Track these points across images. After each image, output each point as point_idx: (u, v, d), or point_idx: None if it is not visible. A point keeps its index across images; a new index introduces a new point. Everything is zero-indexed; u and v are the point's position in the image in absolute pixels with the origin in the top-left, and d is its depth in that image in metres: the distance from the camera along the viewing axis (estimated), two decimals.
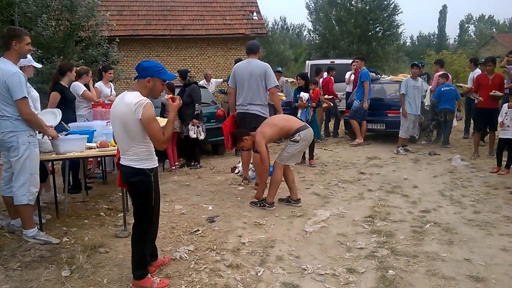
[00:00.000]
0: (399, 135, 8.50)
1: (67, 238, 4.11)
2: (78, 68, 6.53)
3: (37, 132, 3.94)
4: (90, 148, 4.42)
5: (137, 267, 3.25)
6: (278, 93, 8.51)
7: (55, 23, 10.86)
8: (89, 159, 6.91)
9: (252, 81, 5.78)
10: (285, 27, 60.98)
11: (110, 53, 11.82)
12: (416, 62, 9.08)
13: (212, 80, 11.34)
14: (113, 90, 7.32)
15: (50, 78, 8.46)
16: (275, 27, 58.07)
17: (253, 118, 5.75)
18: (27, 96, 3.65)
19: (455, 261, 3.62)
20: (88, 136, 4.43)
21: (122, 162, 3.16)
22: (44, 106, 6.10)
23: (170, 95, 3.39)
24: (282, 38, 50.68)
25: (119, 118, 3.04)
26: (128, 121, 2.99)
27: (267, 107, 5.91)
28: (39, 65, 5.09)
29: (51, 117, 4.39)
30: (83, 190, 5.64)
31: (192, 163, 7.35)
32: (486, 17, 64.51)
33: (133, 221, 3.28)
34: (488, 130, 7.87)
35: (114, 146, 4.31)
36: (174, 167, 7.21)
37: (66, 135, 4.46)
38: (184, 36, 15.69)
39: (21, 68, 4.89)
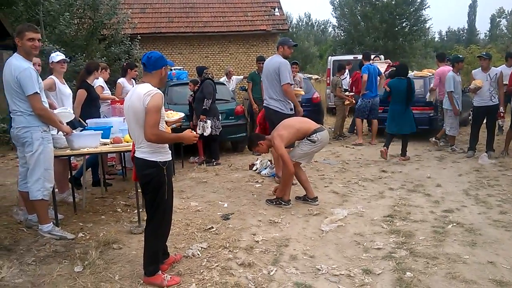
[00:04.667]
0: (448, 133, 8.03)
1: (83, 234, 4.13)
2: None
3: (51, 127, 3.95)
4: (105, 144, 4.43)
5: (149, 263, 3.23)
6: (296, 88, 8.42)
7: (78, 21, 11.05)
8: (111, 156, 6.99)
9: (269, 77, 5.75)
10: (309, 23, 60.49)
11: (133, 50, 11.93)
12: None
13: (233, 77, 11.28)
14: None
15: (74, 76, 8.65)
16: (300, 23, 57.69)
17: (272, 113, 5.73)
18: (38, 92, 3.67)
19: (478, 264, 3.45)
20: (102, 132, 4.44)
21: (137, 154, 3.19)
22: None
23: (193, 132, 3.41)
24: (307, 35, 50.21)
25: (132, 109, 3.07)
26: (138, 111, 3.01)
27: (288, 103, 5.78)
28: (59, 58, 5.02)
29: (66, 114, 4.41)
30: (102, 186, 5.67)
31: (210, 160, 7.32)
32: None
33: (146, 216, 3.26)
34: None
35: (128, 142, 4.31)
36: (197, 160, 7.34)
37: (81, 131, 4.48)
38: (206, 33, 15.70)
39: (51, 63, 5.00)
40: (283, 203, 4.99)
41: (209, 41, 15.88)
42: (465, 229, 4.20)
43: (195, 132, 6.42)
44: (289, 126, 5.00)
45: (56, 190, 5.11)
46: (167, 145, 3.26)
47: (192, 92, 7.50)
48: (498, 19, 62.58)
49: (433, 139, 8.35)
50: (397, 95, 7.37)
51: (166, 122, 4.71)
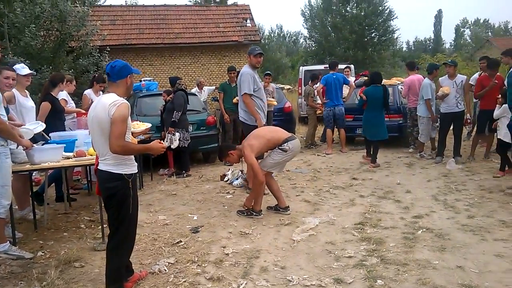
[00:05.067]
0: (420, 140, 8.13)
1: (42, 252, 3.94)
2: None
3: (10, 142, 3.78)
4: (67, 157, 4.26)
5: (111, 281, 3.09)
6: (269, 99, 8.43)
7: (44, 33, 10.76)
8: (76, 170, 6.78)
9: (239, 88, 5.72)
10: (281, 35, 61.18)
11: (102, 62, 11.71)
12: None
13: (205, 87, 11.21)
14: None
15: (39, 88, 8.39)
16: (272, 35, 58.23)
17: (240, 123, 5.71)
18: None
19: (447, 269, 3.45)
20: (65, 145, 4.27)
21: (100, 167, 3.07)
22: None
23: (161, 143, 3.32)
24: (279, 46, 50.72)
25: (96, 120, 2.96)
26: (103, 122, 2.91)
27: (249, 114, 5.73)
28: (26, 72, 4.97)
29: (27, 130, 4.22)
30: (66, 202, 5.46)
31: (181, 172, 7.18)
32: (481, 20, 64.72)
33: (109, 232, 3.13)
34: (487, 132, 7.66)
35: (92, 155, 4.15)
36: (167, 172, 7.25)
37: (43, 144, 4.30)
38: (178, 44, 15.61)
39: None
40: (254, 213, 4.91)
41: (181, 52, 15.78)
42: (434, 234, 4.21)
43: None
44: (260, 136, 4.95)
45: (16, 207, 4.91)
46: (132, 157, 3.15)
47: (165, 102, 7.38)
48: (462, 29, 65.00)
49: (418, 155, 8.38)
50: (374, 102, 7.49)
51: (132, 133, 4.59)
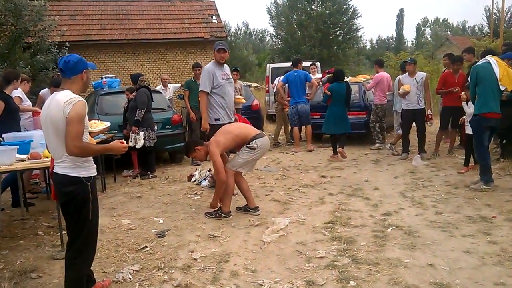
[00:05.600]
0: (397, 132, 8.34)
1: None
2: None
3: None
4: (22, 160, 3.98)
5: None
6: (237, 96, 8.28)
7: None
8: (35, 172, 6.43)
9: None
10: (248, 32, 61.04)
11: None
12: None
13: (170, 85, 10.92)
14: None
15: None
16: (238, 32, 58.01)
17: (198, 123, 5.61)
18: None
19: (418, 267, 3.43)
20: (18, 147, 3.99)
21: (56, 170, 2.85)
22: None
23: (123, 142, 3.09)
24: (245, 43, 50.58)
25: (50, 120, 2.74)
26: (58, 122, 2.70)
27: (213, 112, 5.58)
28: None
29: None
30: (23, 207, 5.15)
31: (146, 173, 6.94)
32: (441, 20, 66.93)
33: (68, 239, 2.93)
34: (450, 128, 7.84)
35: (47, 157, 3.90)
36: (131, 173, 7.06)
37: None
38: (141, 40, 15.17)
39: None
40: (223, 215, 4.78)
41: (145, 49, 15.36)
42: (404, 231, 4.21)
43: (126, 143, 6.07)
44: (227, 132, 4.83)
45: None
46: (91, 159, 2.95)
47: (127, 101, 7.11)
48: (423, 28, 66.98)
49: (388, 145, 8.50)
50: (337, 98, 7.78)
51: (90, 133, 4.34)
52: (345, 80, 8.11)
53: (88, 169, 2.88)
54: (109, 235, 4.35)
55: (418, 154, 7.43)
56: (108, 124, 5.05)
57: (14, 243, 4.18)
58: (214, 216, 4.79)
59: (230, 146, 4.91)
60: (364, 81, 9.71)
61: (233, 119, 5.74)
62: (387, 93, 8.83)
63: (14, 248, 4.05)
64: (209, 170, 6.29)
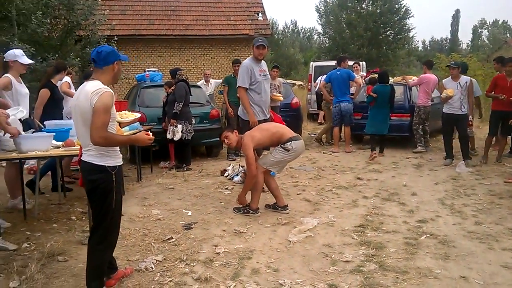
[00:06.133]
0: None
1: (28, 244, 3.81)
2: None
3: None
4: (58, 147, 4.11)
5: (92, 277, 2.94)
6: (275, 94, 8.22)
7: (52, 21, 10.64)
8: (76, 160, 6.67)
9: None
10: (295, 30, 60.69)
11: None
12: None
13: (212, 80, 11.03)
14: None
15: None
16: (286, 30, 57.73)
17: (235, 119, 5.56)
18: None
19: (450, 279, 3.23)
20: (54, 134, 4.12)
21: (83, 158, 2.91)
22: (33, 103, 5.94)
23: (148, 134, 3.11)
24: (292, 42, 50.26)
25: (78, 109, 2.80)
26: (86, 111, 2.75)
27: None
28: (28, 61, 4.94)
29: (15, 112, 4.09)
30: (60, 192, 5.34)
31: (181, 165, 7.03)
32: (500, 22, 63.41)
33: (92, 225, 2.99)
34: (500, 134, 7.38)
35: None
36: (168, 165, 7.17)
37: (33, 132, 4.17)
38: (187, 36, 15.41)
39: (6, 63, 4.72)
40: (251, 211, 4.73)
41: (191, 44, 15.60)
42: (438, 240, 3.98)
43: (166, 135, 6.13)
44: (264, 129, 4.80)
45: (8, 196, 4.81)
46: (117, 148, 2.99)
47: (167, 94, 7.23)
48: (480, 30, 63.80)
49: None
50: (381, 100, 7.99)
51: (120, 124, 4.43)
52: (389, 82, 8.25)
53: (114, 158, 2.92)
54: (138, 224, 4.42)
55: (463, 160, 7.05)
56: (138, 115, 5.13)
57: (48, 226, 4.33)
58: (242, 212, 4.75)
59: (264, 144, 4.86)
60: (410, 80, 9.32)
61: (268, 116, 5.67)
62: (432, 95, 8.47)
63: (47, 231, 4.20)
64: (242, 166, 6.26)
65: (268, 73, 5.75)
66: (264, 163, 4.73)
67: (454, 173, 6.71)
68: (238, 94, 5.65)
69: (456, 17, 63.88)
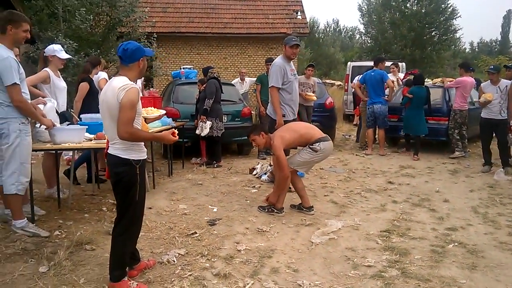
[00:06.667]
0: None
1: (59, 232, 3.98)
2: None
3: (30, 120, 3.82)
4: (90, 139, 4.28)
5: (115, 267, 3.04)
6: (309, 93, 8.18)
7: (95, 18, 11.03)
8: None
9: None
10: (337, 29, 59.98)
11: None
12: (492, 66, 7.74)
13: (247, 79, 11.10)
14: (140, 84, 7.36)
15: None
16: (327, 29, 57.15)
17: (267, 117, 5.62)
18: (18, 83, 3.53)
19: None
20: (87, 127, 4.29)
21: (110, 151, 3.01)
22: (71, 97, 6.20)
23: (174, 133, 3.17)
24: (333, 41, 49.64)
25: (106, 104, 2.90)
26: (112, 107, 2.84)
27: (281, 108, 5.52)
28: (66, 56, 5.14)
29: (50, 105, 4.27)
30: (94, 183, 5.54)
31: (211, 162, 7.13)
32: None
33: (116, 216, 3.09)
34: None
35: None
36: (199, 161, 7.30)
37: (68, 125, 4.35)
38: (226, 34, 15.57)
39: (46, 57, 4.95)
40: (275, 211, 4.73)
41: (228, 42, 15.75)
42: (466, 250, 3.85)
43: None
44: (293, 130, 4.77)
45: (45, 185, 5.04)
46: (142, 143, 3.08)
47: (199, 92, 7.36)
48: None
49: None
50: (417, 101, 8.11)
51: (146, 119, 4.54)
52: (424, 84, 8.34)
53: (138, 153, 3.00)
54: (165, 217, 4.52)
55: (502, 167, 6.75)
56: (163, 112, 5.24)
57: (79, 216, 4.50)
58: (266, 210, 4.76)
59: (293, 144, 4.84)
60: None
61: (296, 115, 5.67)
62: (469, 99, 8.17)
63: (78, 220, 4.37)
64: (270, 165, 6.28)
65: (296, 72, 5.75)
66: (291, 163, 4.72)
67: (491, 180, 6.45)
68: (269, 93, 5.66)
69: (508, 17, 61.18)
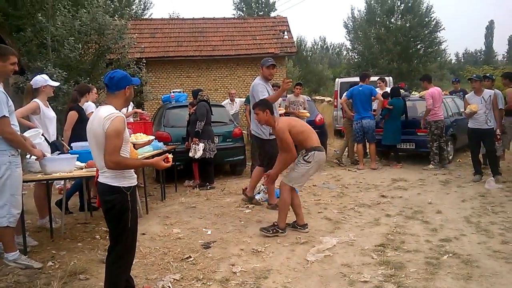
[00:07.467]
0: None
1: (52, 263, 3.94)
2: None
3: (19, 151, 3.83)
4: (81, 168, 4.28)
5: None
6: (301, 111, 8.31)
7: (84, 46, 11.12)
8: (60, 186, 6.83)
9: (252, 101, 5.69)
10: (324, 46, 60.75)
11: (138, 74, 11.95)
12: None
13: (237, 99, 11.19)
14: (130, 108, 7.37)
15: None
16: (315, 47, 57.87)
17: (254, 139, 5.74)
18: (7, 115, 3.55)
19: None
20: (78, 155, 4.29)
21: (99, 179, 3.01)
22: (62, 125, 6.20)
23: (168, 158, 3.18)
24: (321, 58, 50.25)
25: (92, 133, 2.91)
26: (99, 136, 2.85)
27: (267, 127, 5.54)
28: (56, 84, 5.25)
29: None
30: (87, 211, 5.51)
31: (204, 184, 7.14)
32: None
33: (109, 244, 3.07)
34: None
35: None
36: (192, 184, 7.29)
37: (58, 154, 4.35)
38: (214, 56, 15.73)
39: (36, 89, 4.98)
40: (280, 231, 4.65)
41: (217, 64, 15.90)
42: (461, 260, 3.86)
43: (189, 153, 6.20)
44: (301, 125, 4.75)
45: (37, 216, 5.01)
46: (132, 170, 3.08)
47: (189, 115, 7.42)
48: None
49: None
50: (396, 112, 8.64)
51: (135, 145, 4.57)
52: (401, 96, 8.93)
53: (128, 179, 2.99)
54: (158, 243, 4.50)
55: (492, 176, 6.82)
56: (152, 137, 5.28)
57: (73, 245, 4.47)
58: (271, 232, 4.66)
59: (294, 136, 4.64)
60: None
61: None
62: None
63: (72, 249, 4.33)
64: (263, 184, 6.28)
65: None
66: (289, 180, 4.69)
67: (483, 189, 6.50)
68: (252, 113, 5.72)
69: (490, 28, 62.48)
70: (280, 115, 8.70)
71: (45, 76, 5.10)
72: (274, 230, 4.69)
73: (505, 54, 61.56)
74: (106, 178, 2.94)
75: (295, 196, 4.87)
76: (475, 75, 7.58)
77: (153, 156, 5.28)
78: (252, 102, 5.64)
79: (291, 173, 4.76)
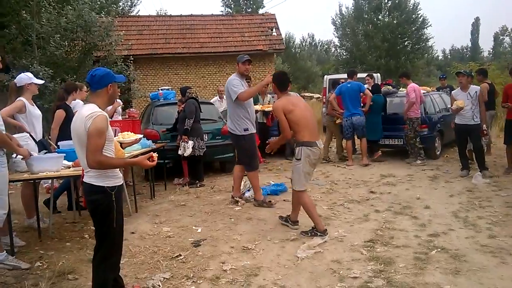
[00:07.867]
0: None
1: (40, 263, 3.89)
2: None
3: (5, 151, 3.77)
4: (68, 167, 4.23)
5: None
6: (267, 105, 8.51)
7: (70, 43, 11.00)
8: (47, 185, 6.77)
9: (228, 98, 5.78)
10: (313, 43, 60.85)
11: (125, 71, 11.85)
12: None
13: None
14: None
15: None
16: (303, 44, 57.91)
17: (231, 135, 5.87)
18: None
19: None
20: (65, 154, 4.24)
21: (84, 179, 2.96)
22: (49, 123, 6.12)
23: (153, 157, 3.13)
24: (310, 55, 50.33)
25: (75, 133, 2.87)
26: (81, 135, 2.80)
27: (239, 123, 5.62)
28: (41, 81, 5.20)
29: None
30: (75, 211, 5.45)
31: (194, 182, 7.11)
32: None
33: (95, 245, 3.04)
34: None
35: None
36: (181, 181, 7.26)
37: (45, 153, 4.29)
38: (203, 53, 15.68)
39: (21, 87, 4.90)
40: (318, 233, 4.52)
41: (206, 62, 15.85)
42: (449, 255, 3.90)
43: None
44: (298, 115, 4.52)
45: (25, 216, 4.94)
46: (117, 169, 3.03)
47: (178, 112, 7.38)
48: (501, 37, 62.66)
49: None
50: (376, 108, 8.84)
51: (122, 144, 4.52)
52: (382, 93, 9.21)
53: (113, 179, 2.95)
54: (148, 241, 4.47)
55: (479, 171, 6.91)
56: (140, 136, 5.24)
57: (61, 245, 4.42)
58: (310, 234, 4.55)
59: (290, 119, 4.50)
60: (424, 93, 9.23)
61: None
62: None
63: (60, 249, 4.29)
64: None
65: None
66: (299, 186, 4.60)
67: (470, 184, 6.58)
68: (229, 109, 5.78)
69: (476, 25, 63.21)
70: (269, 112, 8.83)
71: (29, 74, 5.03)
72: (313, 233, 4.56)
73: (491, 50, 62.21)
74: (90, 178, 2.90)
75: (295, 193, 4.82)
76: (463, 70, 7.65)
77: (141, 154, 5.24)
78: (227, 97, 5.71)
79: (294, 179, 4.67)
